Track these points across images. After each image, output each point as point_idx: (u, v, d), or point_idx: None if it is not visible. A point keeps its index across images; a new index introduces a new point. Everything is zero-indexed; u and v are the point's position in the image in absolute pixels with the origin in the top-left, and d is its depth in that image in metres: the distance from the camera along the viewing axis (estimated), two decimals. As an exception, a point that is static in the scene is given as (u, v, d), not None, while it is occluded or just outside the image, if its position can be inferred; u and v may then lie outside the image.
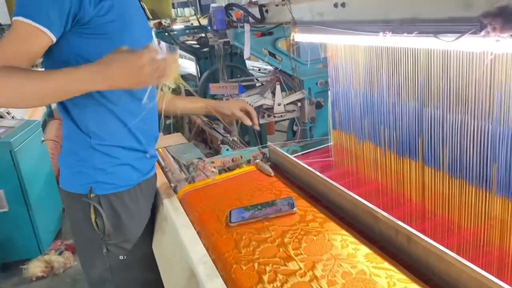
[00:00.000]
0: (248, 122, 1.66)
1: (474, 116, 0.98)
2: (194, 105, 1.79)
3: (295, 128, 2.47)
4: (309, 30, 1.44)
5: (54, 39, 1.08)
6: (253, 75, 3.58)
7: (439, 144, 1.11)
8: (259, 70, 4.24)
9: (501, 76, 0.89)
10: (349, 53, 1.39)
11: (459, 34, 0.83)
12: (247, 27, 1.83)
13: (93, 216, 1.29)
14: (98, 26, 1.13)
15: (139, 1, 1.37)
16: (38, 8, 1.04)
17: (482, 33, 0.78)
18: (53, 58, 1.15)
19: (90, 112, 1.24)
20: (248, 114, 1.68)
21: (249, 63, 4.20)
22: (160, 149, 1.94)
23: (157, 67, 1.02)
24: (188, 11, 6.13)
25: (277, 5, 1.67)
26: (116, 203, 1.32)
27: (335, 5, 1.27)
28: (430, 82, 1.08)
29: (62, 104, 1.26)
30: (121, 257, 1.36)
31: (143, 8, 1.41)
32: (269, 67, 3.40)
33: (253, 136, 3.14)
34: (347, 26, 1.22)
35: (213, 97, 3.37)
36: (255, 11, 1.87)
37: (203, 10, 8.86)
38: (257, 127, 1.69)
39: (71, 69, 1.02)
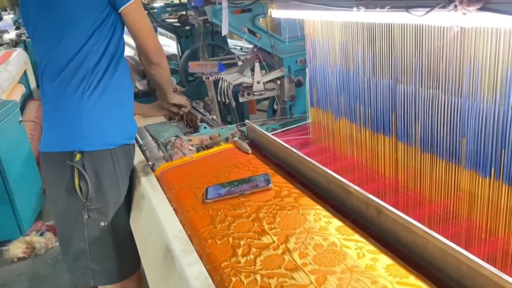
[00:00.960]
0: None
1: (445, 91, 0.99)
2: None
3: (275, 106, 2.47)
4: (286, 6, 1.43)
5: None
6: (234, 54, 3.56)
7: (411, 120, 1.12)
8: (241, 49, 4.20)
9: (470, 51, 0.90)
10: (326, 29, 1.39)
11: (429, 9, 0.84)
12: (224, 3, 1.81)
13: (76, 181, 1.31)
14: None
15: None
16: None
17: (450, 7, 0.78)
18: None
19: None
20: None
21: (231, 42, 4.16)
22: (138, 128, 1.93)
23: None
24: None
25: (254, -20, 1.65)
26: (98, 162, 1.36)
27: (310, -20, 1.26)
28: (403, 58, 1.09)
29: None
30: (102, 223, 1.38)
31: None
32: (251, 46, 3.38)
33: (234, 114, 3.13)
34: (322, 1, 1.22)
35: (193, 75, 3.34)
36: (235, -12, 1.85)
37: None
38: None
39: None
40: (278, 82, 2.10)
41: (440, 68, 0.99)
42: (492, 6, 0.74)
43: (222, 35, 1.98)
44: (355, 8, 1.05)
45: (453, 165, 1.03)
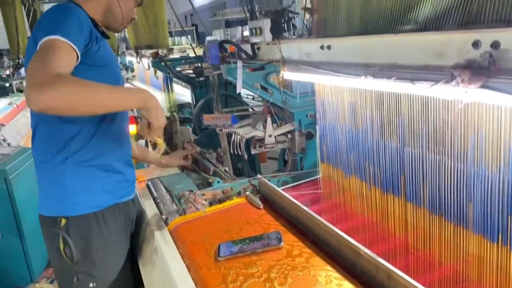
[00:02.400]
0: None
1: (451, 157, 1.03)
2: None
3: (286, 157, 2.52)
4: (297, 69, 1.50)
5: (78, 61, 1.22)
6: (247, 104, 3.66)
7: (419, 182, 1.15)
8: (253, 98, 4.32)
9: (474, 121, 0.94)
10: (335, 91, 1.45)
11: (433, 82, 0.89)
12: (239, 63, 1.90)
13: (61, 246, 1.35)
14: (94, 57, 1.32)
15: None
16: (68, 28, 1.20)
17: (453, 83, 0.84)
18: None
19: (79, 123, 1.35)
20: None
21: (243, 91, 4.28)
22: (153, 179, 1.98)
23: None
24: (185, 39, 6.26)
25: (268, 44, 1.74)
26: (84, 226, 1.36)
27: (322, 47, 1.34)
28: (410, 123, 1.14)
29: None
30: (91, 285, 1.39)
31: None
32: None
33: (246, 163, 3.19)
34: (332, 67, 1.29)
35: (209, 128, 3.43)
36: (248, 48, 1.94)
37: (200, 38, 9.06)
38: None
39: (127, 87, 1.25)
40: (289, 135, 2.16)
41: (446, 135, 1.03)
42: (492, 85, 0.79)
43: (237, 92, 2.06)
44: (363, 77, 1.11)
45: (462, 229, 1.05)
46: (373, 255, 1.00)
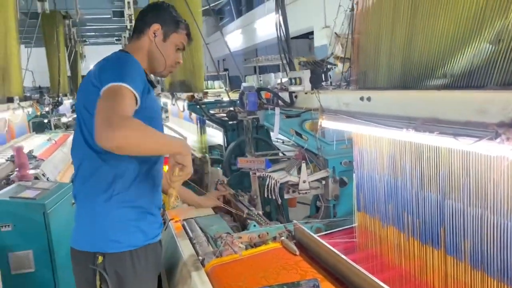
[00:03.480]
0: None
1: (494, 212, 1.04)
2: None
3: (318, 204, 2.53)
4: (335, 118, 1.55)
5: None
6: (277, 148, 3.72)
7: (460, 235, 1.15)
8: (283, 142, 4.38)
9: (517, 177, 0.96)
10: (374, 141, 1.48)
11: (477, 139, 0.92)
12: (277, 110, 1.97)
13: (98, 282, 1.40)
14: (145, 108, 1.39)
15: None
16: (133, 78, 1.33)
17: (498, 140, 0.86)
18: None
19: (123, 164, 1.41)
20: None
21: (273, 134, 4.36)
22: (189, 220, 2.02)
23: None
24: (217, 83, 6.47)
25: (306, 93, 1.81)
26: (120, 263, 1.41)
27: (361, 99, 1.39)
28: (450, 176, 1.15)
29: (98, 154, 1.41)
30: None
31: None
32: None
33: (275, 207, 3.20)
34: (371, 118, 1.33)
35: (240, 169, 3.49)
36: (285, 95, 2.02)
37: (232, 81, 9.36)
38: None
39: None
40: (323, 181, 2.18)
41: (488, 189, 1.04)
42: (537, 143, 0.81)
43: (274, 138, 2.12)
44: (405, 129, 1.15)
45: (505, 286, 1.03)
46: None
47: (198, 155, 4.10)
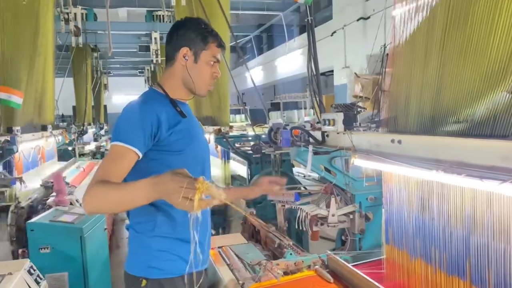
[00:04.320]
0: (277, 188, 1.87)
1: (515, 247, 1.17)
2: None
3: (343, 237, 2.65)
4: (367, 157, 1.71)
5: (141, 155, 1.40)
6: (299, 181, 3.87)
7: (485, 267, 1.28)
8: (304, 176, 4.53)
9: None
10: (403, 180, 1.63)
11: (501, 181, 1.07)
12: (310, 148, 2.13)
13: None
14: (169, 144, 1.46)
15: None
16: (130, 133, 1.39)
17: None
18: (139, 167, 1.44)
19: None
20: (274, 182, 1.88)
21: (295, 169, 4.52)
22: (224, 247, 2.17)
23: (187, 196, 1.12)
24: (239, 117, 6.71)
25: (338, 133, 1.98)
26: None
27: (392, 141, 1.56)
28: (475, 214, 1.30)
29: None
30: None
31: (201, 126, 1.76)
32: (314, 175, 3.68)
33: (296, 240, 3.32)
34: (401, 159, 1.49)
35: (261, 201, 3.64)
36: (316, 133, 2.20)
37: (252, 114, 9.62)
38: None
39: (137, 181, 1.23)
40: (350, 216, 2.32)
41: (510, 226, 1.18)
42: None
43: (306, 174, 2.28)
44: (434, 171, 1.30)
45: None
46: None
47: (222, 185, 4.28)
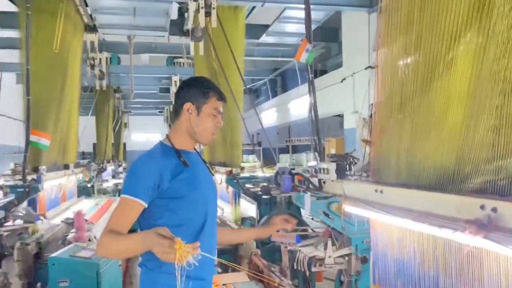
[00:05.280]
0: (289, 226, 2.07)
1: (468, 285, 1.35)
2: (240, 236, 2.29)
3: (342, 278, 2.80)
4: (356, 204, 1.92)
5: (146, 205, 1.61)
6: (307, 223, 4.04)
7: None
8: (312, 218, 4.69)
9: (475, 264, 1.29)
10: (385, 225, 1.83)
11: (453, 230, 1.27)
12: (307, 194, 2.35)
13: None
14: (173, 191, 1.65)
15: (205, 163, 1.91)
16: (136, 186, 1.61)
17: (466, 232, 1.21)
18: (147, 214, 1.66)
19: None
20: (286, 221, 2.07)
21: (303, 211, 4.69)
22: (227, 285, 2.35)
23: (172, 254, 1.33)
24: (252, 157, 6.95)
25: (332, 181, 2.20)
26: None
27: (376, 191, 1.76)
28: (444, 258, 1.48)
29: None
30: None
31: (208, 168, 1.93)
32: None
33: (303, 280, 3.46)
34: (382, 208, 1.69)
35: (269, 242, 3.81)
36: (315, 180, 2.41)
37: (264, 154, 9.91)
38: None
39: (134, 235, 1.51)
40: (346, 258, 2.49)
41: (469, 267, 1.36)
42: (492, 237, 1.16)
43: (305, 215, 2.47)
44: (406, 219, 1.50)
45: None
46: None
47: (234, 225, 4.47)
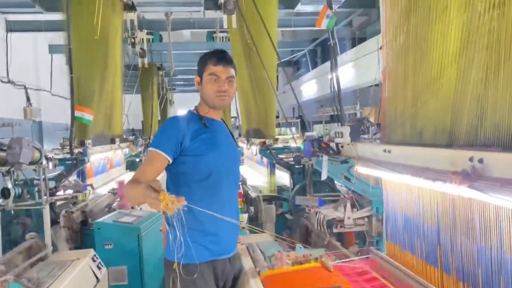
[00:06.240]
0: None
1: (469, 237, 1.40)
2: None
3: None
4: (367, 165, 1.98)
5: (170, 160, 1.81)
6: (338, 190, 4.10)
7: (450, 255, 1.51)
8: (346, 186, 4.74)
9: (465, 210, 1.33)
10: (393, 183, 1.88)
11: (442, 182, 1.32)
12: (325, 157, 2.42)
13: (171, 284, 1.86)
14: (193, 149, 1.85)
15: (230, 132, 2.08)
16: (161, 141, 1.83)
17: (452, 183, 1.26)
18: (171, 170, 1.90)
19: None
20: None
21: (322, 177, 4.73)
22: (250, 243, 2.50)
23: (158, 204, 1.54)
24: (293, 130, 7.04)
25: (348, 144, 2.25)
26: (187, 272, 1.82)
27: (384, 151, 1.82)
28: (443, 211, 1.53)
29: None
30: None
31: (232, 136, 2.10)
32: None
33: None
34: (390, 166, 1.74)
35: (299, 206, 3.93)
36: (334, 145, 2.48)
37: (303, 126, 9.93)
38: None
39: (138, 186, 1.66)
40: (366, 219, 2.56)
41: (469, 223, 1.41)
42: (477, 187, 1.20)
43: (322, 179, 2.56)
44: (405, 175, 1.56)
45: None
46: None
47: (253, 194, 4.62)
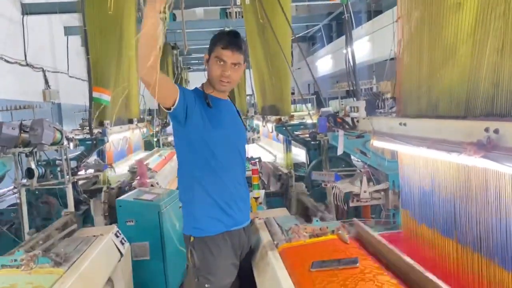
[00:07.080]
0: None
1: (480, 205, 1.41)
2: None
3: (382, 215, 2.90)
4: (383, 139, 1.99)
5: (177, 98, 1.81)
6: (355, 165, 4.11)
7: (467, 227, 1.53)
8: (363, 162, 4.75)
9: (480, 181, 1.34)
10: (408, 156, 1.89)
11: (458, 153, 1.32)
12: (341, 132, 2.43)
13: (189, 255, 1.96)
14: (199, 125, 1.92)
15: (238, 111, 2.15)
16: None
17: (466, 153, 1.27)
18: (180, 146, 2.00)
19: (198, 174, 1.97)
20: None
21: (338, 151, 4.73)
22: (268, 218, 2.55)
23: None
24: (309, 106, 7.01)
25: (364, 119, 2.26)
26: (203, 244, 1.94)
27: (400, 124, 1.82)
28: (459, 183, 1.54)
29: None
30: (207, 285, 1.94)
31: (239, 115, 2.16)
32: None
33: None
34: (405, 139, 1.75)
35: (314, 181, 3.95)
36: (349, 119, 2.48)
37: (319, 102, 9.87)
38: None
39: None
40: (382, 193, 2.58)
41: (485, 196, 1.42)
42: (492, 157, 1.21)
43: (338, 154, 2.57)
44: (421, 147, 1.56)
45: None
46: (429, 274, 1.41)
47: (284, 170, 4.64)
